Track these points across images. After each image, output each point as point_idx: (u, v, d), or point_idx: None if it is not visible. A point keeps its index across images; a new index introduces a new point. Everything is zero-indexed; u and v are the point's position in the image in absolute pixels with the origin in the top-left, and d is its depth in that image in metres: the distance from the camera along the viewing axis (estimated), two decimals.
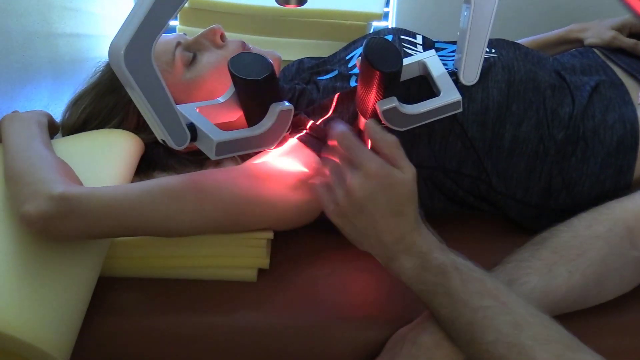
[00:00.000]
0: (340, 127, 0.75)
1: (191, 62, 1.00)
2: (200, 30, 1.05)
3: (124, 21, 0.67)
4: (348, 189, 0.72)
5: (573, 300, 0.76)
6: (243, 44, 1.04)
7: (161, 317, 0.82)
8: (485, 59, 0.92)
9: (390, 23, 1.82)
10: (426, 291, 0.71)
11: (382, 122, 0.83)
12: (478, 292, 0.67)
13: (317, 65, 1.14)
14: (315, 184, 0.79)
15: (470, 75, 0.90)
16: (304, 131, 0.92)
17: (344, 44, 1.20)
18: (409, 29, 1.13)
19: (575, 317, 0.75)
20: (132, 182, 0.93)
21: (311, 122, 0.93)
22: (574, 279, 0.75)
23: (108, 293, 0.84)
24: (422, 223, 0.74)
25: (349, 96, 0.94)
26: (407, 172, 0.72)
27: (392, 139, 0.73)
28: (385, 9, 1.73)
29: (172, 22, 0.68)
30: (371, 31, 1.58)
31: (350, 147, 0.73)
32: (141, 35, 0.65)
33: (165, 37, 1.01)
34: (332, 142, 0.76)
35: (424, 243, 0.72)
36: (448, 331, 0.70)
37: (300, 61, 1.20)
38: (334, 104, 0.95)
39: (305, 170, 0.86)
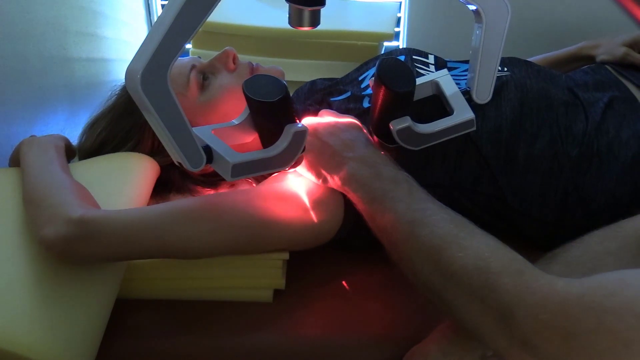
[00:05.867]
0: None
1: (205, 85, 1.01)
2: (213, 53, 1.06)
3: (140, 45, 0.68)
4: (317, 128, 0.87)
5: None
6: (250, 64, 1.05)
7: (178, 339, 0.82)
8: (498, 78, 0.92)
9: (401, 43, 1.83)
10: (372, 198, 0.76)
11: (396, 141, 0.83)
12: (422, 199, 0.74)
13: (330, 86, 1.15)
14: None
15: (484, 94, 0.90)
16: None
17: (356, 65, 1.20)
18: (420, 49, 1.13)
19: None
20: (148, 204, 0.94)
21: None
22: None
23: (125, 315, 0.84)
24: (371, 144, 0.85)
25: (363, 117, 0.95)
26: (352, 121, 0.89)
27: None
28: (396, 29, 1.74)
29: (186, 46, 0.69)
30: (383, 51, 1.59)
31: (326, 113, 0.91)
32: (157, 59, 0.66)
33: (180, 61, 1.02)
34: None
35: (377, 157, 0.81)
36: (389, 235, 0.73)
37: (313, 82, 1.21)
38: None
39: (321, 190, 0.86)
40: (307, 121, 0.90)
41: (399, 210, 0.73)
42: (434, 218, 0.70)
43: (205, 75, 1.02)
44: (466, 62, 1.05)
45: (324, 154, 0.84)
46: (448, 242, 0.66)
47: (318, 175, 0.86)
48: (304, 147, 0.83)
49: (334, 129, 0.87)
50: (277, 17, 1.56)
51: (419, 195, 0.75)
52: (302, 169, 0.87)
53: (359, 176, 0.79)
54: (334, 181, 0.83)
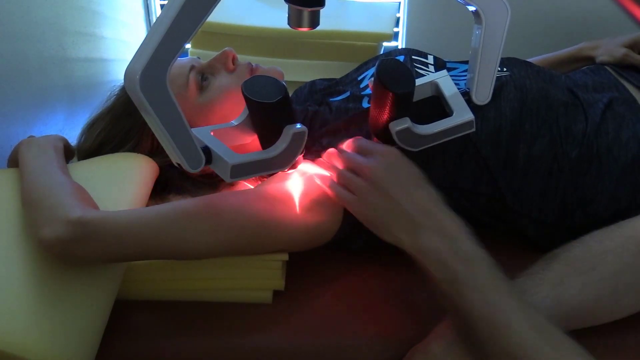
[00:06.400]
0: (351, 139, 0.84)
1: (205, 86, 1.01)
2: (212, 53, 1.06)
3: (139, 46, 0.68)
4: (367, 171, 0.78)
5: (585, 314, 0.76)
6: (250, 65, 1.05)
7: (177, 340, 0.82)
8: (497, 78, 0.92)
9: (401, 43, 1.83)
10: (449, 280, 0.69)
11: (396, 142, 0.83)
12: (503, 291, 0.67)
13: (330, 86, 1.15)
14: (332, 184, 0.83)
15: (483, 95, 0.90)
16: (318, 153, 0.93)
17: (356, 65, 1.20)
18: (420, 49, 1.13)
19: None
20: (147, 205, 0.94)
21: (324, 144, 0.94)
22: (586, 291, 0.74)
23: (124, 316, 0.84)
24: (448, 209, 0.75)
25: (362, 117, 0.95)
26: (392, 150, 0.80)
27: (360, 141, 0.84)
28: (395, 29, 1.74)
29: (185, 46, 0.69)
30: (382, 52, 1.59)
31: (362, 144, 0.82)
32: (156, 59, 0.66)
33: (179, 61, 1.02)
34: (343, 147, 0.84)
35: (454, 227, 0.73)
36: (464, 325, 0.68)
37: (313, 83, 1.21)
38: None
39: (319, 191, 0.86)
40: (353, 161, 0.81)
41: (475, 302, 0.66)
42: (514, 319, 0.64)
43: (204, 75, 1.02)
44: (465, 62, 1.05)
45: (395, 215, 0.76)
46: (529, 356, 0.62)
47: (384, 234, 0.77)
48: (303, 148, 0.83)
49: (399, 180, 0.77)
50: (277, 18, 1.56)
51: (497, 282, 0.68)
52: (362, 218, 0.80)
53: (435, 250, 0.71)
54: (404, 245, 0.75)
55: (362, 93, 1.03)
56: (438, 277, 0.70)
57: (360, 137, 0.84)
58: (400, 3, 1.80)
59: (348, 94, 1.05)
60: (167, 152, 0.77)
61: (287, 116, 0.81)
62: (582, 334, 0.66)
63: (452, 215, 0.74)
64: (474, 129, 0.87)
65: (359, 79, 1.10)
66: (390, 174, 0.77)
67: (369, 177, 0.77)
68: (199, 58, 1.06)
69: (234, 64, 1.04)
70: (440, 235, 0.72)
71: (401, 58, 1.07)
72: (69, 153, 1.05)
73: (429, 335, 0.75)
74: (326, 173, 0.88)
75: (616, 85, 1.03)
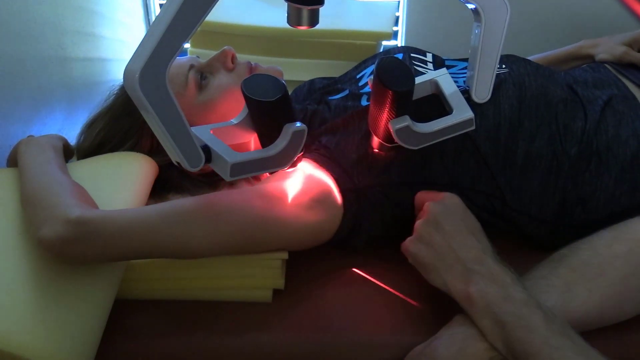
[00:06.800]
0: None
1: (204, 85, 1.01)
2: (211, 52, 1.06)
3: (138, 45, 0.67)
4: (426, 207, 0.80)
5: (592, 319, 0.75)
6: (249, 64, 1.05)
7: (177, 339, 0.82)
8: (496, 75, 0.92)
9: (400, 42, 1.83)
10: (504, 321, 0.68)
11: (395, 141, 0.83)
12: (559, 333, 0.66)
13: (329, 85, 1.15)
14: None
15: (483, 93, 0.90)
16: (317, 151, 0.93)
17: (355, 64, 1.20)
18: (419, 47, 1.13)
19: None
20: (147, 204, 0.94)
21: (324, 142, 0.93)
22: (593, 299, 0.74)
23: (124, 315, 0.84)
24: (500, 259, 0.75)
25: (360, 115, 0.95)
26: (448, 195, 0.82)
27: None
28: (395, 28, 1.74)
29: (184, 45, 0.69)
30: (381, 50, 1.59)
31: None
32: (155, 58, 0.66)
33: (178, 60, 1.02)
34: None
35: (507, 275, 0.72)
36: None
37: (312, 81, 1.21)
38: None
39: (319, 189, 0.86)
40: (424, 202, 0.83)
41: (535, 344, 0.65)
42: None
43: (203, 74, 1.02)
44: (464, 60, 1.05)
45: (446, 258, 0.76)
46: None
47: (432, 275, 0.77)
48: (303, 146, 0.83)
49: (455, 221, 0.78)
50: (276, 17, 1.56)
51: (555, 326, 0.67)
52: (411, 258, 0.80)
53: (487, 296, 0.71)
54: (452, 291, 0.75)
55: (360, 91, 1.03)
56: (492, 322, 0.70)
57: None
58: (399, 2, 1.80)
59: (347, 92, 1.05)
60: (167, 151, 0.77)
61: (286, 115, 0.81)
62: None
63: (503, 262, 0.75)
64: (473, 127, 0.87)
65: (358, 77, 1.10)
66: (446, 215, 0.78)
67: (426, 212, 0.80)
68: (198, 57, 1.06)
69: (233, 62, 1.04)
70: (491, 281, 0.71)
71: (400, 56, 1.07)
72: (68, 152, 1.05)
73: (434, 337, 0.75)
74: (324, 174, 0.88)
75: (616, 82, 1.03)
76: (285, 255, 0.86)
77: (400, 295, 0.87)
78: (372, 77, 0.82)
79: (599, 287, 0.74)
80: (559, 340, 0.65)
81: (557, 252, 0.80)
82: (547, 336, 0.65)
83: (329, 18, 1.51)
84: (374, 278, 0.91)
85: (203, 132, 0.81)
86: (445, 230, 0.77)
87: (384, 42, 1.62)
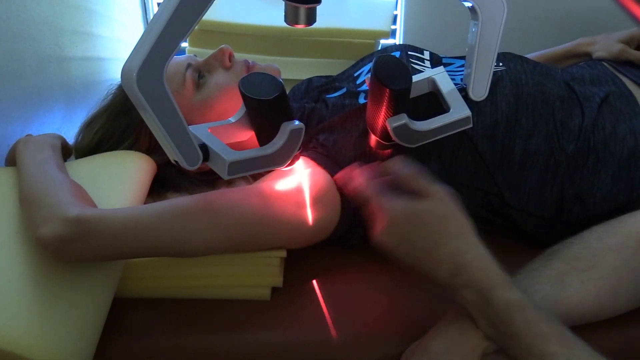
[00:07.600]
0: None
1: (202, 84, 1.01)
2: (209, 51, 1.06)
3: (136, 44, 0.67)
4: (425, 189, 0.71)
5: (585, 311, 0.76)
6: (247, 62, 1.05)
7: (175, 337, 0.82)
8: (493, 73, 0.92)
9: (398, 41, 1.83)
10: (491, 327, 0.68)
11: (393, 139, 0.83)
12: (543, 336, 0.64)
13: (326, 83, 1.15)
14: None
15: (480, 91, 0.90)
16: (315, 150, 0.93)
17: (353, 62, 1.20)
18: (416, 46, 1.13)
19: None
20: (145, 203, 0.94)
21: (321, 140, 0.94)
22: (586, 290, 0.74)
23: (122, 314, 0.84)
24: (480, 247, 0.70)
25: (358, 113, 0.95)
26: (434, 198, 0.71)
27: (408, 171, 0.72)
28: (392, 27, 1.74)
29: (182, 44, 0.69)
30: (379, 49, 1.59)
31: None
32: (153, 57, 0.66)
33: (176, 59, 1.02)
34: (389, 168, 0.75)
35: (483, 276, 0.67)
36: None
37: (309, 80, 1.21)
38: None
39: (317, 187, 0.86)
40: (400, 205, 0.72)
41: (520, 352, 0.64)
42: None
43: (201, 73, 1.02)
44: (461, 58, 1.05)
45: (429, 257, 0.70)
46: None
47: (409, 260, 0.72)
48: (301, 145, 0.83)
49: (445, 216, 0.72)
50: (273, 15, 1.56)
51: (539, 330, 0.64)
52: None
53: (472, 307, 0.69)
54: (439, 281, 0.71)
55: (358, 89, 1.03)
56: (481, 325, 0.69)
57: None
58: (397, 0, 1.80)
59: (344, 90, 1.06)
60: (165, 149, 0.77)
61: (284, 113, 0.81)
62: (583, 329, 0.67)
63: (485, 260, 0.69)
64: (471, 125, 0.87)
65: (355, 75, 1.10)
66: (402, 243, 0.71)
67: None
68: (195, 56, 1.07)
69: (230, 61, 1.04)
70: (470, 288, 0.68)
71: (397, 54, 1.07)
72: (67, 151, 1.05)
73: (428, 333, 0.75)
74: (322, 172, 0.88)
75: (613, 79, 1.03)
76: (283, 254, 0.86)
77: (398, 293, 0.87)
78: (369, 75, 0.82)
79: (590, 279, 0.74)
80: (544, 346, 0.63)
81: (549, 248, 0.80)
82: (530, 344, 0.63)
83: (327, 16, 1.50)
84: (372, 276, 0.91)
85: (201, 131, 0.81)
86: (410, 253, 0.70)
87: (382, 41, 1.62)
